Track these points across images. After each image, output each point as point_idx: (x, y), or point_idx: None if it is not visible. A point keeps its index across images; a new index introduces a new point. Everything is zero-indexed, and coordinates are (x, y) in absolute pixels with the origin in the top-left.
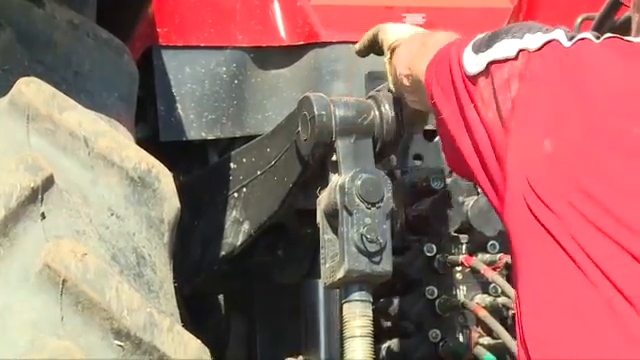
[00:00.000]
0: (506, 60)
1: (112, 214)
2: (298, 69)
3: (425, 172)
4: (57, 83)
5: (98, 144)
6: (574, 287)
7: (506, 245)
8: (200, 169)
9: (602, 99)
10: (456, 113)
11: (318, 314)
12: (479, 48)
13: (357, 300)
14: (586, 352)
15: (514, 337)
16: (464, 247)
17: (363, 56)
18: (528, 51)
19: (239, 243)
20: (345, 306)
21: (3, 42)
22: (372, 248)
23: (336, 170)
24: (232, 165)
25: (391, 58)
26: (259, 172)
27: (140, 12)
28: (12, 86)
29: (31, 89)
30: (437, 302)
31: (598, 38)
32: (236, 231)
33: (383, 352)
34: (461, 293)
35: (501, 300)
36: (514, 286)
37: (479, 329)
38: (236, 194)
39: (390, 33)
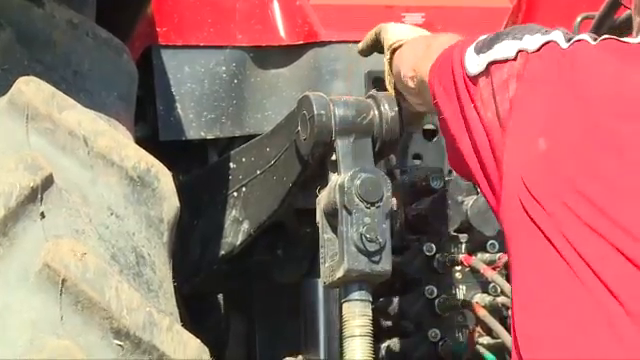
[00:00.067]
0: (506, 60)
1: (111, 213)
2: (298, 68)
3: (424, 171)
4: (56, 82)
5: (97, 143)
6: (565, 287)
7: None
8: (199, 168)
9: (597, 100)
10: (457, 113)
11: (317, 313)
12: (481, 49)
13: (356, 299)
14: (576, 352)
15: None
16: (463, 246)
17: (366, 55)
18: (527, 52)
19: (239, 242)
20: (344, 305)
21: (3, 41)
22: (371, 247)
23: (335, 169)
24: (232, 164)
25: (391, 58)
26: (259, 171)
27: (139, 12)
28: (11, 85)
29: (30, 88)
30: (436, 301)
31: (595, 39)
32: (236, 230)
33: (382, 351)
34: (461, 292)
35: (500, 299)
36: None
37: (478, 328)
38: (236, 193)
39: (391, 33)
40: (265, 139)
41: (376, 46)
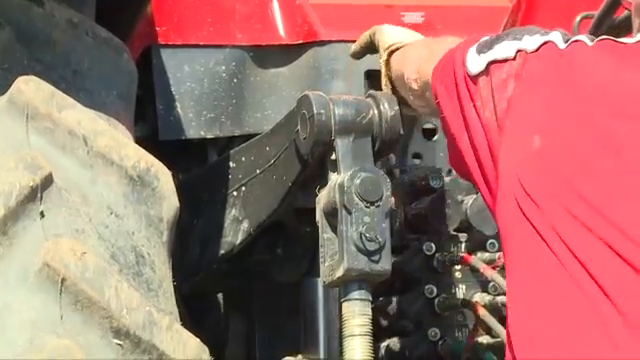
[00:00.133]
0: (505, 60)
1: (111, 213)
2: (297, 68)
3: (424, 171)
4: (56, 82)
5: (97, 143)
6: (559, 287)
7: None
8: (199, 168)
9: (593, 100)
10: (457, 112)
11: (317, 313)
12: (482, 49)
13: (356, 299)
14: (569, 352)
15: None
16: (463, 246)
17: (358, 58)
18: (526, 52)
19: (238, 242)
20: (344, 305)
21: (2, 41)
22: (371, 247)
23: (335, 169)
24: (231, 164)
25: (388, 60)
26: (258, 171)
27: (139, 11)
28: (11, 85)
29: (30, 88)
30: (436, 301)
31: (592, 40)
32: (235, 230)
33: (382, 351)
34: (460, 292)
35: (500, 299)
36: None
37: (478, 328)
38: (235, 193)
39: (387, 35)
40: (265, 138)
41: (370, 48)
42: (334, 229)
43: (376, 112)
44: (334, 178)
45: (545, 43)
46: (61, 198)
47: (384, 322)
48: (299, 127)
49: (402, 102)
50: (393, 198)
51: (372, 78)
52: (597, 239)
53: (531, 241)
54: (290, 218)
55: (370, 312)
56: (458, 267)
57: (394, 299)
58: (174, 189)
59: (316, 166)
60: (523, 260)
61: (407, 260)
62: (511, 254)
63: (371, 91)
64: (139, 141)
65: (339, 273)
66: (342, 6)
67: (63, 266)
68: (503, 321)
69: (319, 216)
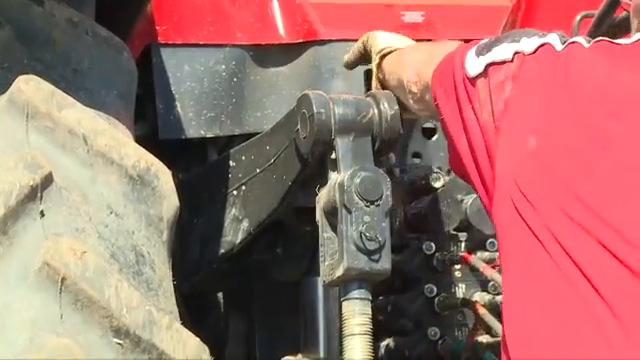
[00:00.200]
0: (503, 62)
1: (111, 212)
2: (297, 67)
3: (424, 170)
4: (56, 81)
5: (97, 142)
6: (554, 287)
7: None
8: (199, 167)
9: (589, 101)
10: (455, 113)
11: (317, 312)
12: (481, 52)
13: (356, 298)
14: (564, 353)
15: None
16: (463, 245)
17: (351, 68)
18: (523, 54)
19: (238, 241)
20: (344, 304)
21: (2, 40)
22: (371, 246)
23: (335, 168)
24: (231, 163)
25: (380, 63)
26: (258, 170)
27: (139, 10)
28: (11, 84)
29: (30, 87)
30: (436, 300)
31: (589, 42)
32: (235, 229)
33: (382, 350)
34: (460, 291)
35: (500, 298)
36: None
37: (478, 327)
38: (235, 192)
39: (380, 39)
40: (265, 137)
41: (363, 57)
42: (334, 228)
43: (376, 111)
44: (334, 177)
45: (542, 45)
46: (61, 197)
47: (384, 321)
48: (299, 126)
49: (400, 105)
50: (393, 197)
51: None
52: (593, 240)
53: (527, 242)
54: (290, 217)
55: (370, 311)
56: (458, 266)
57: (394, 298)
58: (174, 188)
59: (316, 165)
60: (519, 260)
61: (407, 259)
62: (507, 254)
63: (371, 90)
64: (139, 140)
65: (339, 272)
66: (342, 5)
67: (63, 265)
68: None
69: (319, 215)
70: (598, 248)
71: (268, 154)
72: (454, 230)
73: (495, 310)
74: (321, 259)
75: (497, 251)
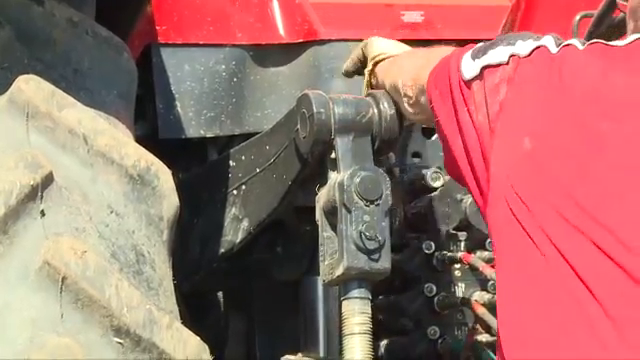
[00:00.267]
0: (499, 65)
1: (111, 212)
2: (297, 67)
3: (424, 170)
4: (56, 81)
5: (97, 142)
6: (548, 288)
7: None
8: (199, 167)
9: (583, 102)
10: (451, 116)
11: (317, 311)
12: (477, 55)
13: (356, 297)
14: (558, 353)
15: None
16: (462, 244)
17: (350, 76)
18: (518, 56)
19: (238, 240)
20: (344, 303)
21: (2, 40)
22: (371, 245)
23: (335, 168)
24: (231, 163)
25: (373, 70)
26: (258, 170)
27: (139, 10)
28: (12, 84)
29: (30, 87)
30: (436, 299)
31: (583, 44)
32: (235, 228)
33: (382, 349)
34: (460, 290)
35: None
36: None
37: (477, 326)
38: (235, 191)
39: (376, 45)
40: (265, 137)
41: (362, 63)
42: (334, 228)
43: (376, 111)
44: (334, 177)
45: (537, 48)
46: (61, 197)
47: (384, 320)
48: (299, 126)
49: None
50: (393, 197)
51: None
52: (587, 241)
53: (521, 243)
54: (290, 217)
55: (370, 310)
56: (457, 266)
57: (394, 298)
58: (174, 188)
59: (316, 165)
60: (513, 261)
61: (407, 259)
62: (501, 255)
63: (371, 90)
64: (139, 140)
65: (339, 272)
66: (342, 5)
67: (63, 265)
68: None
69: (319, 215)
70: (592, 249)
71: (268, 154)
72: (454, 229)
73: (494, 309)
74: (321, 258)
75: None
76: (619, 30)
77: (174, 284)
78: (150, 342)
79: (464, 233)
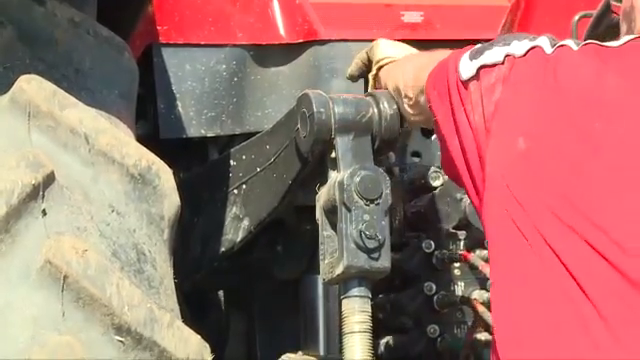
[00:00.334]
0: (494, 65)
1: (113, 211)
2: (297, 67)
3: (423, 169)
4: (58, 80)
5: (99, 141)
6: (542, 288)
7: None
8: (200, 166)
9: (577, 103)
10: (448, 116)
11: (317, 310)
12: (474, 55)
13: (356, 296)
14: (552, 353)
15: None
16: (462, 243)
17: (354, 80)
18: (514, 57)
19: (239, 239)
20: (344, 302)
21: (4, 40)
22: (371, 244)
23: (335, 167)
24: (232, 162)
25: (377, 74)
26: (259, 169)
27: (140, 10)
28: (13, 84)
29: (32, 86)
30: (435, 298)
31: (578, 44)
32: (236, 228)
33: (381, 347)
34: (459, 289)
35: None
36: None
37: (477, 324)
38: (236, 191)
39: (381, 49)
40: (265, 137)
41: (367, 67)
42: (334, 227)
43: (376, 111)
44: (334, 176)
45: (533, 48)
46: (63, 196)
47: (383, 319)
48: (299, 125)
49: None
50: (393, 196)
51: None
52: (581, 241)
53: (515, 242)
54: (290, 216)
55: (370, 309)
56: (457, 264)
57: (393, 296)
58: (175, 187)
59: (316, 164)
60: (507, 261)
61: (406, 258)
62: (496, 255)
63: (371, 90)
64: (140, 139)
65: (339, 270)
66: (342, 5)
67: (65, 263)
68: None
69: (319, 214)
70: (587, 249)
71: (268, 153)
72: (453, 228)
73: None
74: (321, 257)
75: None
76: (617, 30)
77: (175, 283)
78: (151, 340)
79: (463, 232)
